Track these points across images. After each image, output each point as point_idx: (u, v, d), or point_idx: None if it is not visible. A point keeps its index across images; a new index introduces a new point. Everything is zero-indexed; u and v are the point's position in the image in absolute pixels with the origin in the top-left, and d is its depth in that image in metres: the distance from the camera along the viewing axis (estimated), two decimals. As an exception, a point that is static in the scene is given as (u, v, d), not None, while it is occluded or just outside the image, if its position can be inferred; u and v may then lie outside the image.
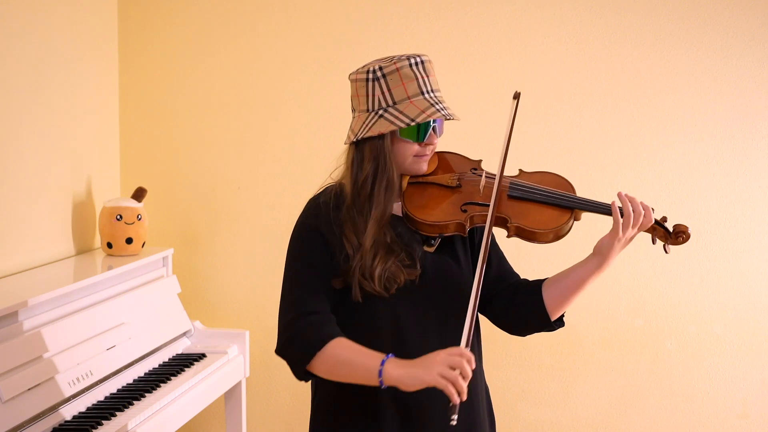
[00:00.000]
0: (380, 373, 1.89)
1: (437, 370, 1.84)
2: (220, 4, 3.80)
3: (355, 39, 3.73)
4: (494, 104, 3.67)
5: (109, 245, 3.45)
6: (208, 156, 3.85)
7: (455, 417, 1.83)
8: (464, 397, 1.84)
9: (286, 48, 3.78)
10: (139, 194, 3.53)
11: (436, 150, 2.14)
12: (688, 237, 2.07)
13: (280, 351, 2.02)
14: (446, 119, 2.04)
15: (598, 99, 3.66)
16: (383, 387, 1.90)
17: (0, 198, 3.05)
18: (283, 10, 3.77)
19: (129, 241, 3.44)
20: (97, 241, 3.63)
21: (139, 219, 3.48)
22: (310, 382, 2.19)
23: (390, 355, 1.91)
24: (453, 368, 1.84)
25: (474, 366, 1.86)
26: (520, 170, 2.19)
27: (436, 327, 2.06)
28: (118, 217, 3.44)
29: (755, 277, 3.65)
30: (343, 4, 3.74)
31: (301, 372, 2.00)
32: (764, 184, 3.62)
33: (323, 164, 3.92)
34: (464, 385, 1.83)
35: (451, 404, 1.83)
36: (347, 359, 1.94)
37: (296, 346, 1.97)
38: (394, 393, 1.99)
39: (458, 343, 1.92)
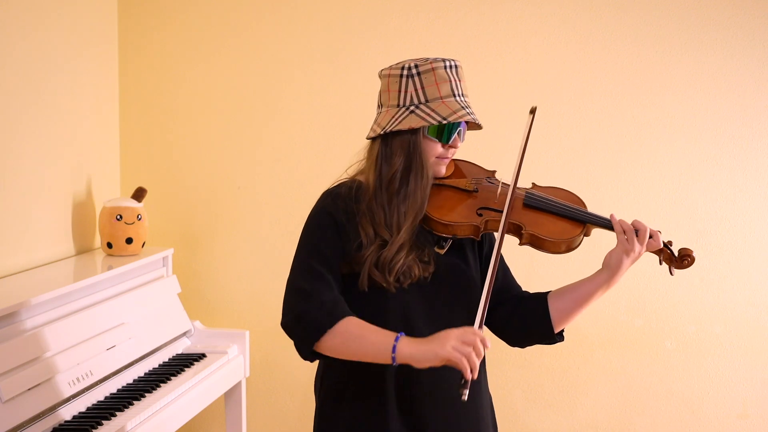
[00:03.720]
0: (394, 348, 1.90)
1: (451, 344, 1.86)
2: (219, 4, 3.80)
3: (355, 39, 3.73)
4: (494, 105, 3.67)
5: (109, 245, 3.45)
6: (208, 156, 3.85)
7: (466, 392, 1.85)
8: (476, 375, 1.86)
9: (286, 48, 3.78)
10: (139, 194, 3.53)
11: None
12: (692, 261, 2.13)
13: (286, 327, 2.01)
14: (475, 123, 2.08)
15: (598, 99, 3.66)
16: (395, 364, 1.91)
17: (0, 198, 3.05)
18: (283, 10, 3.77)
19: (129, 241, 3.44)
20: (97, 241, 3.63)
21: (139, 219, 3.48)
22: (313, 381, 2.19)
23: (402, 333, 1.93)
24: (467, 344, 1.86)
25: (488, 346, 1.88)
26: (533, 184, 2.24)
27: (445, 325, 2.06)
28: (118, 217, 3.44)
29: (755, 277, 3.65)
30: (343, 4, 3.74)
31: (307, 351, 1.99)
32: (764, 184, 3.62)
33: (323, 164, 3.94)
34: (477, 362, 1.86)
35: (462, 380, 1.85)
36: (359, 335, 1.94)
37: (305, 323, 1.96)
38: (399, 385, 2.01)
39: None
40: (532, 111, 2.13)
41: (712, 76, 3.61)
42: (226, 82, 3.82)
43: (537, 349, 3.76)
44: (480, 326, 1.92)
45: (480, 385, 2.13)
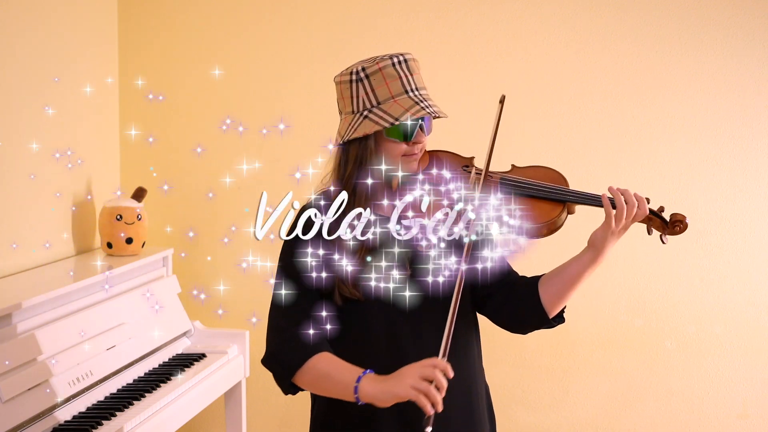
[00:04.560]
0: (356, 390, 1.89)
1: (409, 382, 1.84)
2: (219, 4, 3.80)
3: (355, 39, 3.73)
4: (494, 105, 3.66)
5: (109, 245, 3.45)
6: (208, 156, 3.85)
7: (429, 428, 1.83)
8: (439, 408, 1.83)
9: (286, 47, 3.78)
10: (139, 194, 3.53)
11: (429, 149, 2.11)
12: (685, 226, 2.04)
13: (265, 364, 2.04)
14: (432, 117, 2.01)
15: (598, 99, 3.66)
16: (360, 404, 1.90)
17: (1, 198, 3.05)
18: (283, 10, 3.77)
19: (129, 241, 3.44)
20: (97, 241, 3.63)
21: (139, 219, 3.48)
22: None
23: (368, 371, 1.91)
24: (426, 379, 1.84)
25: (451, 375, 1.85)
26: (513, 165, 2.17)
27: (430, 324, 2.03)
28: (118, 217, 3.44)
29: (755, 276, 3.65)
30: (343, 4, 3.74)
31: (285, 387, 2.02)
32: (764, 184, 3.62)
33: (323, 164, 3.92)
34: (438, 396, 1.83)
35: (426, 416, 1.83)
36: (326, 374, 1.94)
37: (279, 361, 1.98)
38: None
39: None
40: (501, 101, 2.05)
41: (712, 76, 3.61)
42: (226, 81, 3.82)
43: (536, 349, 3.78)
44: (444, 355, 1.88)
45: (474, 377, 2.10)
